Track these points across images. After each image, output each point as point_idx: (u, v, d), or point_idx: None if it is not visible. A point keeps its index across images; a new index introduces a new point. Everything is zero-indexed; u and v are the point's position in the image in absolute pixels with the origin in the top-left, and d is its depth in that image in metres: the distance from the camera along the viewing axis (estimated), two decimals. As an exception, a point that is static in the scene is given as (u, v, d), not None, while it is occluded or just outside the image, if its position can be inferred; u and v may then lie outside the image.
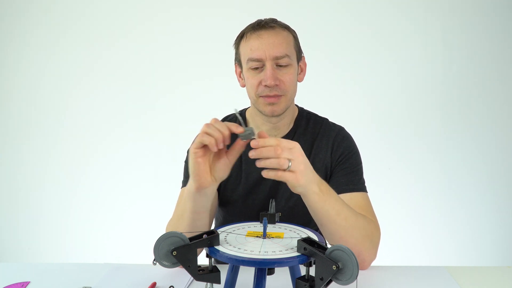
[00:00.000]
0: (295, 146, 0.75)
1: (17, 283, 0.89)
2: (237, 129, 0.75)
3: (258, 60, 0.99)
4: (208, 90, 2.28)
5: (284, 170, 0.74)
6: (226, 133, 0.75)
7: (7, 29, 2.39)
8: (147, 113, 2.37)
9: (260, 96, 1.02)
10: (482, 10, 2.18)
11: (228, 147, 0.80)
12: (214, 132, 0.74)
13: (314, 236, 0.68)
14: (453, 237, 2.28)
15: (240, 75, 1.10)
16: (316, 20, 2.22)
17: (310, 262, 0.61)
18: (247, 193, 1.10)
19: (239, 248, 0.64)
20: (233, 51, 1.10)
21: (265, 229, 0.70)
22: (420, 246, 2.28)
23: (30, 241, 2.52)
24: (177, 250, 0.62)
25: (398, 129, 2.29)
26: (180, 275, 0.89)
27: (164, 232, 0.93)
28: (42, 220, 2.49)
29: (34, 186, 2.49)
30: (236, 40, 1.07)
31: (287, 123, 1.11)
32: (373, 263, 0.94)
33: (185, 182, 1.10)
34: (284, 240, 0.68)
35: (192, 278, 0.78)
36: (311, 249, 0.60)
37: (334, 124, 1.15)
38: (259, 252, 0.62)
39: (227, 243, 0.66)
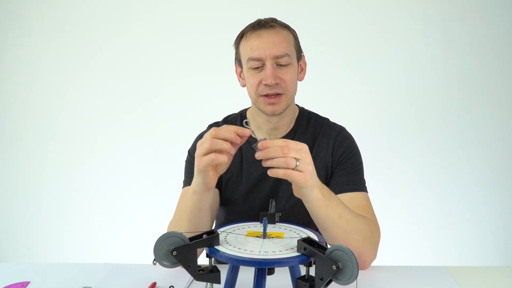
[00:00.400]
0: (303, 147, 0.75)
1: (17, 283, 0.89)
2: (245, 131, 0.75)
3: (258, 59, 1.00)
4: (209, 89, 2.28)
5: (292, 169, 0.73)
6: (235, 139, 0.75)
7: (2, 29, 2.39)
8: (147, 111, 2.37)
9: (261, 96, 1.02)
10: (485, 9, 2.18)
11: None
12: (225, 147, 0.74)
13: (314, 236, 0.68)
14: (453, 237, 2.28)
15: (240, 75, 1.10)
16: (316, 19, 2.22)
17: (310, 262, 0.61)
18: (248, 192, 1.10)
19: (239, 248, 0.63)
20: (233, 51, 1.11)
21: (265, 229, 0.70)
22: (420, 246, 2.28)
23: (30, 241, 2.52)
24: (177, 250, 0.62)
25: (398, 128, 2.29)
26: (180, 275, 0.89)
27: (164, 232, 0.94)
28: (42, 220, 2.49)
29: (34, 186, 2.49)
30: (236, 40, 1.07)
31: (287, 122, 1.11)
32: (373, 263, 0.94)
33: (187, 182, 1.10)
34: (284, 240, 0.68)
35: (192, 278, 0.78)
36: (311, 249, 0.60)
37: (335, 124, 1.15)
38: (259, 252, 0.62)
39: (227, 243, 0.66)
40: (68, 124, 2.42)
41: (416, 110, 2.27)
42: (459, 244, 2.29)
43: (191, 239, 0.64)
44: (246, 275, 0.74)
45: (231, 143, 0.76)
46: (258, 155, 0.73)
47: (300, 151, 0.74)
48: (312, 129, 1.12)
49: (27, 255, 2.52)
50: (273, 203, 0.77)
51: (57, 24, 2.37)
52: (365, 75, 2.26)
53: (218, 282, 0.64)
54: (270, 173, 0.74)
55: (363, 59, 2.25)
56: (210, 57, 2.25)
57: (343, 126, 1.15)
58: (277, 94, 1.01)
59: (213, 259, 0.64)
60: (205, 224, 0.92)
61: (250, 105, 1.15)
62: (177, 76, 2.32)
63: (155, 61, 2.34)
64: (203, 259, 0.67)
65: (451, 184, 2.28)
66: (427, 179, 2.29)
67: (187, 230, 0.89)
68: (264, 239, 0.68)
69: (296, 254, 0.62)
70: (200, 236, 0.65)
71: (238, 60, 1.08)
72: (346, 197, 1.00)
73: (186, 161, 1.13)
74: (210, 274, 0.64)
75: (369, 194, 1.06)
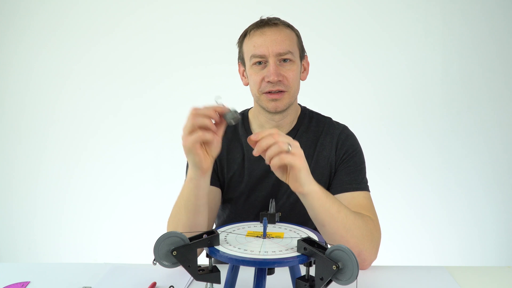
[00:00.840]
0: (291, 138, 0.79)
1: (17, 283, 0.89)
2: (223, 108, 0.79)
3: (261, 57, 1.01)
4: (210, 88, 2.27)
5: (286, 152, 0.76)
6: (215, 116, 0.78)
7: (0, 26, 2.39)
8: (147, 112, 2.37)
9: (263, 93, 1.03)
10: (487, 7, 2.18)
11: None
12: (207, 122, 0.77)
13: (314, 236, 0.68)
14: (454, 237, 2.28)
15: (243, 73, 1.11)
16: (317, 18, 2.22)
17: (310, 262, 0.61)
18: (250, 190, 1.10)
19: (239, 248, 0.64)
20: (235, 50, 1.11)
21: (265, 229, 0.70)
22: (420, 246, 2.28)
23: (29, 241, 2.52)
24: (177, 250, 0.62)
25: (399, 128, 2.29)
26: (180, 275, 0.89)
27: (165, 230, 0.93)
28: (42, 220, 2.49)
29: (34, 186, 2.49)
30: (239, 38, 1.08)
31: (290, 121, 1.11)
32: (373, 263, 0.94)
33: None
34: (284, 240, 0.68)
35: (192, 278, 0.78)
36: (311, 249, 0.60)
37: (337, 122, 1.16)
38: (259, 252, 0.62)
39: (227, 243, 0.66)
40: (68, 124, 2.42)
41: (417, 109, 2.27)
42: (459, 244, 2.29)
43: (191, 239, 0.64)
44: (246, 275, 0.74)
45: (216, 125, 0.80)
46: (255, 152, 0.77)
47: (290, 139, 0.78)
48: (314, 127, 1.12)
49: (27, 255, 2.52)
50: (273, 203, 0.78)
51: (53, 21, 2.35)
52: (366, 75, 2.26)
53: (218, 282, 0.64)
54: (268, 162, 0.78)
55: (363, 59, 2.25)
56: (213, 59, 2.25)
57: (345, 124, 1.15)
58: (280, 91, 1.01)
59: (213, 259, 0.64)
60: (203, 214, 0.91)
61: (252, 105, 1.16)
62: (178, 78, 2.32)
63: (156, 62, 2.34)
64: (203, 259, 0.67)
65: (452, 184, 2.27)
66: (427, 178, 2.28)
67: (185, 221, 0.90)
68: (264, 239, 0.68)
69: (296, 254, 0.62)
70: (200, 236, 0.65)
71: (241, 59, 1.09)
72: (348, 196, 1.01)
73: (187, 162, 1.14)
74: (210, 274, 0.64)
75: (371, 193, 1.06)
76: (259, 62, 1.02)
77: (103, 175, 2.42)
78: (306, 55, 1.11)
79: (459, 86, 2.23)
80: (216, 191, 1.10)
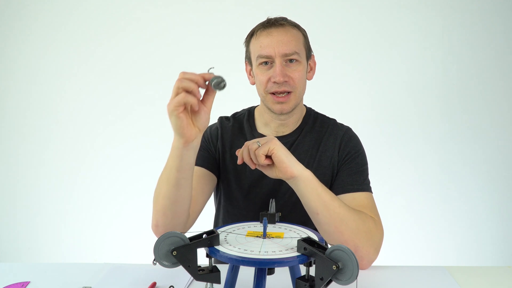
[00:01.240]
0: (265, 136, 0.89)
1: (17, 283, 0.89)
2: (209, 75, 0.77)
3: (267, 57, 1.01)
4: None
5: (258, 147, 0.85)
6: (201, 81, 0.76)
7: (1, 27, 2.39)
8: (146, 111, 2.37)
9: (269, 93, 1.04)
10: (485, 8, 2.18)
11: None
12: (192, 86, 0.75)
13: (314, 236, 0.68)
14: (453, 237, 2.28)
15: (250, 73, 1.12)
16: (315, 19, 2.22)
17: (310, 262, 0.61)
18: (250, 187, 1.11)
19: (239, 248, 0.64)
20: (241, 49, 1.12)
21: (265, 229, 0.70)
22: (420, 246, 2.28)
23: (29, 241, 2.52)
24: (177, 250, 0.62)
25: (398, 129, 2.29)
26: (180, 275, 0.89)
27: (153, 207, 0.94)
28: (41, 220, 2.49)
29: (33, 186, 2.49)
30: (246, 38, 1.09)
31: (295, 120, 1.13)
32: (374, 263, 0.94)
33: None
34: (284, 240, 0.68)
35: (192, 278, 0.78)
36: (311, 249, 0.60)
37: (341, 124, 1.17)
38: (259, 252, 0.62)
39: (227, 243, 0.66)
40: (68, 124, 2.42)
41: (416, 110, 2.27)
42: (459, 244, 2.29)
43: (191, 239, 0.64)
44: (246, 275, 0.74)
45: (205, 95, 0.80)
46: (238, 161, 0.90)
47: (260, 139, 0.87)
48: (318, 128, 1.13)
49: (27, 255, 2.52)
50: (273, 203, 0.78)
51: (56, 24, 2.37)
52: (365, 75, 2.26)
53: (218, 282, 0.64)
54: (252, 166, 0.89)
55: (363, 59, 2.25)
56: (217, 55, 2.24)
57: (349, 126, 1.16)
58: (286, 92, 1.02)
59: (213, 259, 0.64)
60: (184, 189, 0.89)
61: (258, 103, 1.17)
62: (177, 75, 2.31)
63: (154, 59, 2.34)
64: (203, 259, 0.67)
65: (451, 184, 2.28)
66: (427, 179, 2.29)
67: (165, 192, 0.89)
68: (264, 239, 0.68)
69: (296, 254, 0.62)
70: (200, 236, 0.65)
71: (248, 58, 1.10)
72: (349, 197, 1.01)
73: None
74: (210, 274, 0.64)
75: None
76: (266, 62, 1.02)
77: (103, 175, 2.43)
78: (313, 55, 1.12)
79: (457, 90, 2.24)
80: (208, 175, 1.09)
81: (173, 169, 0.85)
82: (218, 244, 0.65)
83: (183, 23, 2.31)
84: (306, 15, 2.21)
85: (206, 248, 0.64)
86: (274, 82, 1.01)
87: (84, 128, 2.42)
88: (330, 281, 0.58)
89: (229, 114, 1.22)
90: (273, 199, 0.79)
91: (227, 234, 0.71)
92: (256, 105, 1.20)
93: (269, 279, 0.64)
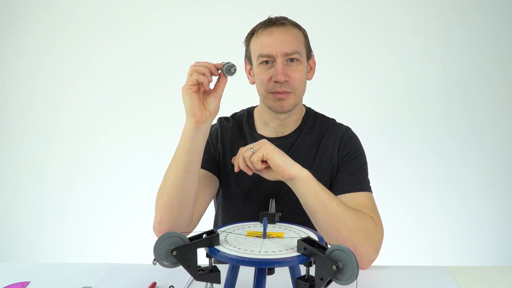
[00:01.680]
0: (258, 141, 0.88)
1: (17, 283, 0.89)
2: (220, 65, 0.88)
3: (268, 56, 1.01)
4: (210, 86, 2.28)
5: (252, 154, 0.86)
6: (213, 68, 0.87)
7: (3, 28, 2.39)
8: (147, 111, 2.37)
9: (270, 92, 1.03)
10: (484, 8, 2.18)
11: None
12: (204, 69, 0.85)
13: (314, 236, 0.68)
14: (453, 237, 2.28)
15: (249, 72, 1.11)
16: (314, 19, 2.22)
17: (310, 262, 0.61)
18: (250, 188, 1.10)
19: (239, 248, 0.64)
20: (241, 48, 1.11)
21: (265, 229, 0.70)
22: (420, 246, 2.28)
23: (30, 241, 2.52)
24: (177, 250, 0.62)
25: (397, 129, 2.29)
26: (180, 275, 0.89)
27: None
28: (42, 220, 2.49)
29: (33, 186, 2.49)
30: (246, 37, 1.09)
31: (295, 120, 1.12)
32: (373, 263, 0.94)
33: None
34: (284, 240, 0.68)
35: (192, 278, 0.78)
36: (311, 249, 0.60)
37: (341, 124, 1.16)
38: (259, 252, 0.62)
39: (227, 243, 0.66)
40: (68, 124, 2.42)
41: (416, 110, 2.27)
42: (459, 244, 2.29)
43: (191, 239, 0.64)
44: (246, 275, 0.74)
45: (217, 82, 0.90)
46: (235, 169, 0.90)
47: (253, 144, 0.87)
48: (318, 128, 1.13)
49: (27, 255, 2.52)
50: (273, 203, 0.78)
51: (58, 24, 2.37)
52: (365, 75, 2.26)
53: (218, 282, 0.64)
54: (249, 172, 0.89)
55: (362, 60, 2.25)
56: (216, 54, 2.24)
57: (349, 126, 1.15)
58: (286, 92, 1.02)
59: (213, 259, 0.64)
60: (192, 176, 0.91)
61: (258, 103, 1.17)
62: (177, 76, 2.31)
63: (155, 61, 2.34)
64: (203, 259, 0.67)
65: (451, 184, 2.28)
66: (427, 179, 2.29)
67: (173, 179, 0.91)
68: (264, 239, 0.68)
69: (296, 254, 0.62)
70: (200, 236, 0.65)
71: (248, 58, 1.10)
72: (349, 197, 1.01)
73: None
74: (210, 274, 0.64)
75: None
76: (266, 62, 1.02)
77: (103, 175, 2.43)
78: (313, 55, 1.12)
79: (457, 90, 2.24)
80: (210, 176, 1.10)
81: (184, 152, 0.89)
82: (218, 244, 0.65)
83: (185, 24, 2.31)
84: (306, 15, 2.21)
85: (206, 248, 0.64)
86: (275, 82, 1.01)
87: (85, 129, 2.42)
88: (330, 281, 0.58)
89: (228, 114, 1.21)
90: (273, 199, 0.79)
91: (227, 234, 0.71)
92: (255, 105, 1.20)
93: (269, 279, 0.64)
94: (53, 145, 2.45)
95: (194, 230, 1.01)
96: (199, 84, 0.85)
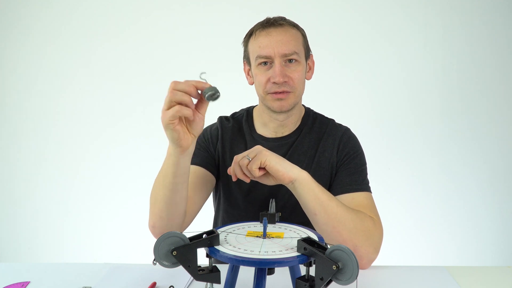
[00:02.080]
0: (253, 148, 0.87)
1: (17, 283, 0.89)
2: (204, 84, 0.75)
3: (267, 57, 1.01)
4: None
5: (249, 162, 0.84)
6: (194, 92, 0.74)
7: (3, 28, 2.39)
8: (146, 110, 2.37)
9: (269, 93, 1.03)
10: (485, 8, 2.18)
11: None
12: (185, 98, 0.73)
13: (314, 236, 0.68)
14: (453, 237, 2.28)
15: (248, 72, 1.11)
16: (314, 19, 2.22)
17: (310, 262, 0.61)
18: (250, 189, 1.10)
19: (239, 248, 0.63)
20: (237, 48, 1.11)
21: (265, 229, 0.70)
22: (420, 246, 2.28)
23: (29, 241, 2.51)
24: (177, 250, 0.62)
25: (397, 129, 2.29)
26: (180, 275, 0.89)
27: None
28: (42, 220, 2.49)
29: (33, 186, 2.49)
30: (244, 38, 1.09)
31: (294, 121, 1.12)
32: (373, 263, 0.94)
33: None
34: (284, 240, 0.68)
35: (192, 278, 0.78)
36: (311, 249, 0.60)
37: (340, 124, 1.16)
38: (259, 252, 0.62)
39: (227, 243, 0.66)
40: (68, 124, 2.42)
41: (416, 110, 2.27)
42: (459, 244, 2.29)
43: (191, 239, 0.64)
44: (246, 275, 0.74)
45: (198, 101, 0.78)
46: (233, 179, 0.89)
47: (247, 152, 0.86)
48: (317, 129, 1.13)
49: (27, 255, 2.52)
50: (273, 203, 0.78)
51: (58, 24, 2.37)
52: (365, 75, 2.26)
53: (218, 282, 0.64)
54: (247, 180, 0.88)
55: (362, 59, 2.25)
56: (215, 54, 2.24)
57: (348, 126, 1.15)
58: (285, 92, 1.02)
59: (213, 259, 0.64)
60: (181, 193, 0.89)
61: (257, 103, 1.16)
62: (177, 76, 2.31)
63: (154, 60, 2.34)
64: (203, 259, 0.67)
65: (451, 184, 2.28)
66: (426, 179, 2.29)
67: (162, 196, 0.90)
68: (264, 239, 0.68)
69: (296, 254, 0.62)
70: (200, 236, 0.65)
71: (246, 58, 1.10)
72: (348, 197, 1.01)
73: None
74: (210, 274, 0.64)
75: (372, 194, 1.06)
76: (265, 63, 1.02)
77: (103, 175, 2.43)
78: (312, 54, 1.12)
79: (457, 90, 2.24)
80: (207, 175, 1.09)
81: (169, 175, 0.86)
82: (218, 244, 0.65)
83: (183, 23, 2.31)
84: (306, 15, 2.22)
85: (206, 248, 0.64)
86: (274, 83, 1.01)
87: (84, 128, 2.42)
88: (330, 281, 0.58)
89: (227, 114, 1.22)
90: (273, 199, 0.79)
91: (227, 234, 0.71)
92: (254, 105, 1.20)
93: (269, 279, 0.64)
94: (53, 145, 2.45)
95: (194, 230, 1.01)
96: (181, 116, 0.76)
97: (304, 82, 1.07)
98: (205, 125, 1.18)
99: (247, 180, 0.88)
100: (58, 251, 2.50)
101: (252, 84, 1.11)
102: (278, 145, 1.10)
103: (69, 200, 2.46)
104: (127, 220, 2.39)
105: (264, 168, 0.86)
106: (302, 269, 0.66)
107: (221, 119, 1.19)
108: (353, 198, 1.00)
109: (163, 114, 0.76)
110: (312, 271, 0.60)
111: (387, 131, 2.28)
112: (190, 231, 0.89)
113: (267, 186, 1.08)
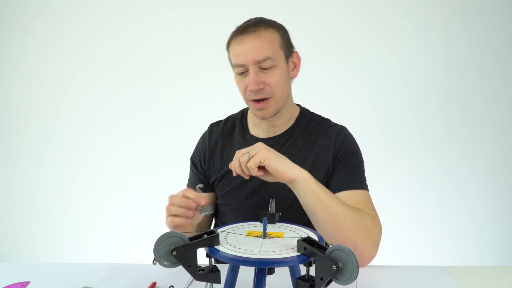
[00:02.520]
0: (253, 146, 0.86)
1: (17, 283, 0.89)
2: (202, 201, 0.87)
3: (241, 65, 1.00)
4: (209, 87, 2.28)
5: (249, 159, 0.84)
6: (185, 209, 0.86)
7: (3, 28, 2.39)
8: (146, 111, 2.37)
9: (249, 100, 1.04)
10: (485, 8, 2.18)
11: None
12: (179, 213, 0.86)
13: (314, 236, 0.68)
14: (453, 237, 2.28)
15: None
16: (314, 19, 2.22)
17: (310, 262, 0.61)
18: (252, 189, 1.10)
19: (239, 248, 0.64)
20: None
21: (265, 229, 0.70)
22: (420, 246, 2.28)
23: (30, 241, 2.52)
24: (177, 250, 0.62)
25: (397, 129, 2.29)
26: (180, 275, 0.89)
27: (165, 230, 0.95)
28: (42, 220, 2.49)
29: (33, 186, 2.49)
30: (226, 44, 1.08)
31: (285, 121, 1.12)
32: (373, 263, 0.94)
33: (189, 185, 1.18)
34: (284, 240, 0.68)
35: (192, 278, 0.78)
36: (311, 249, 0.60)
37: (336, 124, 1.16)
38: (259, 252, 0.62)
39: (227, 243, 0.66)
40: (68, 124, 2.42)
41: (416, 110, 2.27)
42: (458, 244, 2.29)
43: (191, 239, 0.64)
44: (246, 275, 0.74)
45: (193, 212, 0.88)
46: (233, 174, 0.88)
47: (249, 148, 0.85)
48: (313, 128, 1.12)
49: (27, 255, 2.52)
50: (273, 203, 0.78)
51: (58, 24, 2.37)
52: (364, 75, 2.26)
53: (218, 282, 0.64)
54: (246, 177, 0.88)
55: (362, 59, 2.25)
56: (210, 57, 2.24)
57: (344, 126, 1.15)
58: (264, 99, 1.02)
59: (213, 259, 0.64)
60: (193, 226, 0.97)
61: None
62: (177, 76, 2.32)
63: (154, 60, 2.34)
64: (203, 259, 0.67)
65: (451, 184, 2.27)
66: (426, 179, 2.28)
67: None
68: (264, 239, 0.68)
69: (296, 254, 0.62)
70: (200, 236, 0.65)
71: (230, 65, 1.10)
72: (346, 194, 1.01)
73: (190, 168, 1.21)
74: (210, 274, 0.64)
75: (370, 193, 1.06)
76: (242, 72, 1.02)
77: (103, 175, 2.43)
78: (296, 51, 1.08)
79: (457, 90, 2.24)
80: (209, 196, 1.15)
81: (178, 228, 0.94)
82: (218, 244, 0.65)
83: (183, 23, 2.31)
84: (306, 15, 2.22)
85: (206, 248, 0.64)
86: (250, 91, 1.00)
87: (84, 128, 2.42)
88: (330, 281, 0.58)
89: (228, 114, 1.22)
90: (273, 199, 0.79)
91: (227, 234, 0.71)
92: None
93: (269, 279, 0.64)
94: (53, 145, 2.45)
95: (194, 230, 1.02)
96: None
97: (286, 83, 1.05)
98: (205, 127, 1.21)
99: (246, 177, 0.88)
100: (58, 251, 2.50)
101: None
102: (270, 145, 1.09)
103: (69, 200, 2.46)
104: (127, 220, 2.39)
105: (263, 168, 0.86)
106: (302, 269, 0.66)
107: (211, 126, 1.21)
108: (351, 195, 1.00)
109: (166, 219, 0.90)
110: (312, 271, 0.60)
111: (387, 131, 2.28)
112: (190, 231, 0.90)
113: (267, 188, 1.08)
